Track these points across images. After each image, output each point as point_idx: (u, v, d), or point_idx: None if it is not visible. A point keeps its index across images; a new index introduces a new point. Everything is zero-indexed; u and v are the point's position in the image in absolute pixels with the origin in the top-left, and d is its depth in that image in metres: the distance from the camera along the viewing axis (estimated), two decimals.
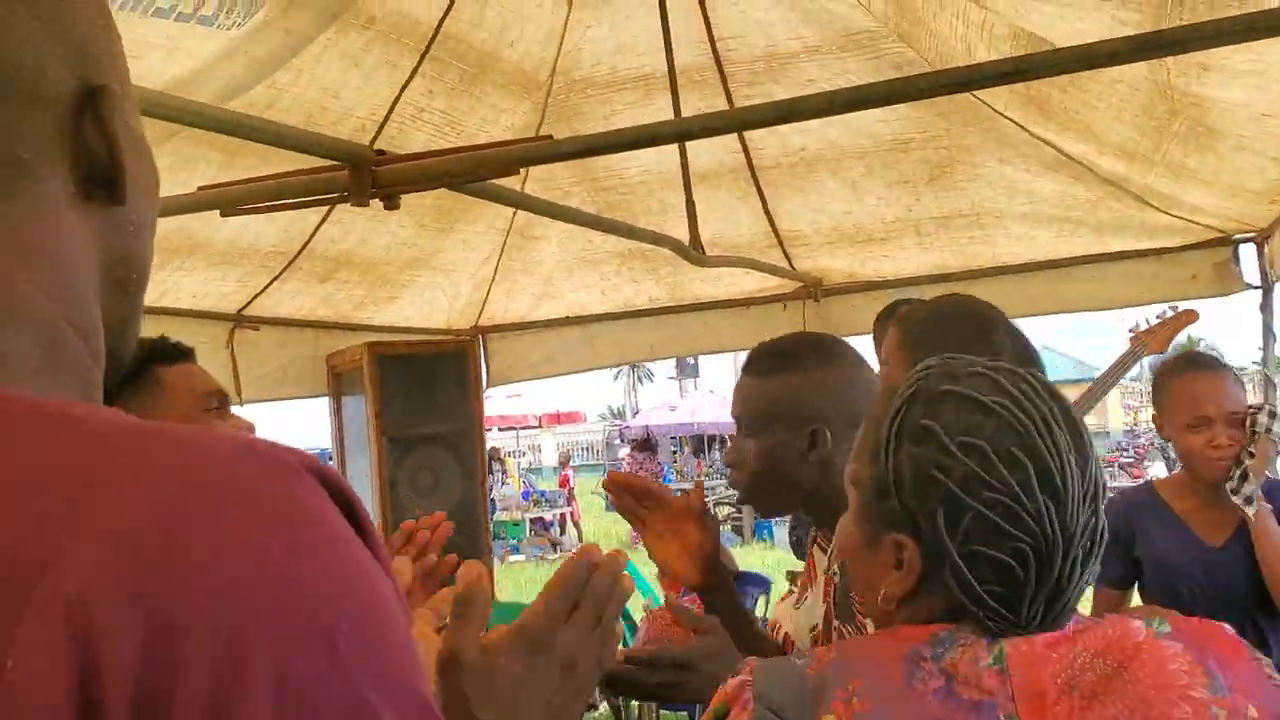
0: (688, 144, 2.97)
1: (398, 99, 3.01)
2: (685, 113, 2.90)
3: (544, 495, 15.76)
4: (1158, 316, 3.47)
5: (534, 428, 24.30)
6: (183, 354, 1.58)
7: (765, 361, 1.57)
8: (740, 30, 3.17)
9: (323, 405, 4.46)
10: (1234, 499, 2.21)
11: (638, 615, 4.94)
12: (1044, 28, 2.32)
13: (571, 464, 17.19)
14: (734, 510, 15.02)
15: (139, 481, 0.41)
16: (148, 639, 0.38)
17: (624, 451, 17.75)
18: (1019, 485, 0.90)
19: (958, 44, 2.71)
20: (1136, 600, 2.45)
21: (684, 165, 3.04)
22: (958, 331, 1.46)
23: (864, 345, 2.48)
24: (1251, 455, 2.20)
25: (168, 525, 0.40)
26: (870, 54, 3.09)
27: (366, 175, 1.97)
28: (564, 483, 16.02)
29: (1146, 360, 3.94)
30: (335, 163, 2.01)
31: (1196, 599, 2.23)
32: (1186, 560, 2.29)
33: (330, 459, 4.49)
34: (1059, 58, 1.77)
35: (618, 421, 29.91)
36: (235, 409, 1.66)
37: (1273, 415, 2.23)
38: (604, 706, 5.27)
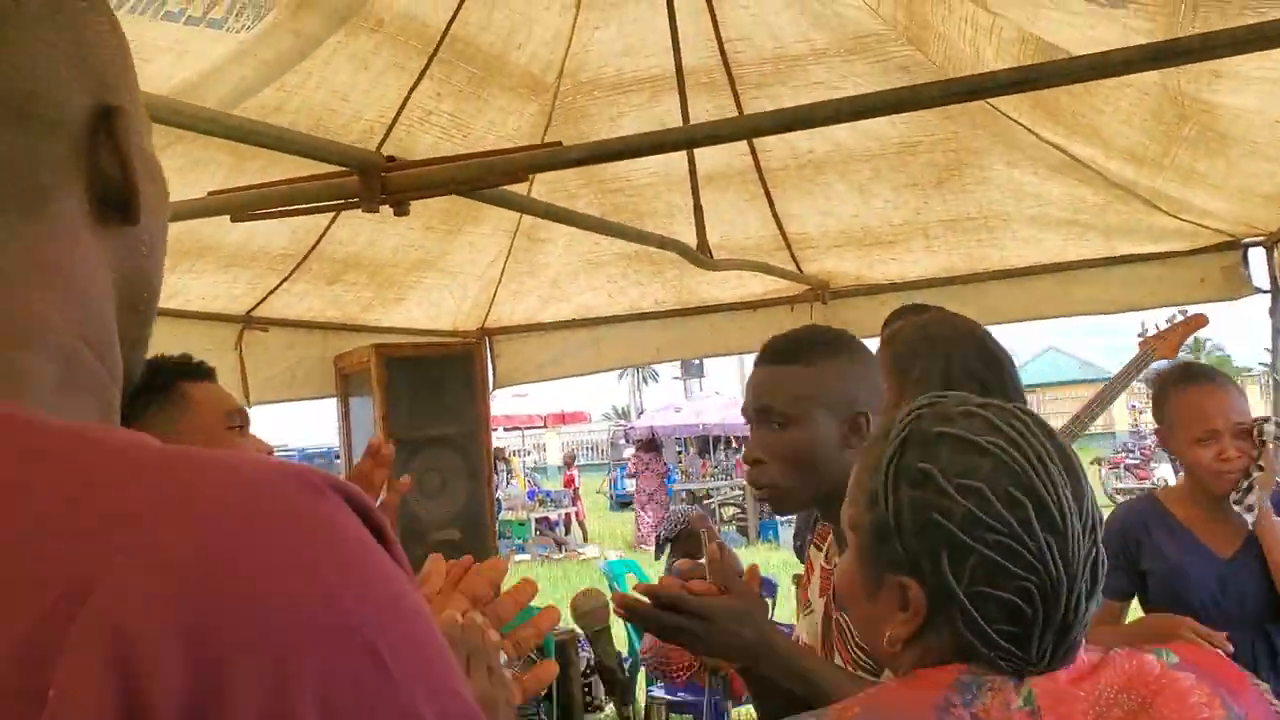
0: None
1: (406, 101, 3.02)
2: (693, 114, 2.90)
3: (549, 495, 15.77)
4: (1167, 321, 3.45)
5: (539, 428, 24.29)
6: (205, 373, 1.63)
7: (801, 349, 1.51)
8: (748, 32, 3.16)
9: (330, 406, 4.47)
10: (1236, 508, 2.20)
11: None
12: (1052, 33, 2.32)
13: (576, 464, 17.19)
14: (738, 511, 15.03)
15: (181, 506, 0.41)
16: (196, 669, 0.38)
17: (629, 451, 17.74)
18: (1019, 524, 0.90)
19: (966, 48, 2.70)
20: (1137, 612, 2.41)
21: (691, 168, 3.04)
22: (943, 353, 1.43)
23: (871, 348, 2.47)
24: (1261, 468, 2.19)
25: (214, 552, 0.40)
26: (878, 57, 3.08)
27: (376, 181, 1.98)
28: (569, 483, 16.03)
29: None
30: (345, 168, 2.01)
31: (1209, 611, 2.20)
32: (1199, 572, 2.26)
33: (337, 460, 4.50)
34: (1073, 66, 1.76)
35: (622, 422, 29.89)
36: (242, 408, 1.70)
37: None
38: (609, 708, 5.25)
